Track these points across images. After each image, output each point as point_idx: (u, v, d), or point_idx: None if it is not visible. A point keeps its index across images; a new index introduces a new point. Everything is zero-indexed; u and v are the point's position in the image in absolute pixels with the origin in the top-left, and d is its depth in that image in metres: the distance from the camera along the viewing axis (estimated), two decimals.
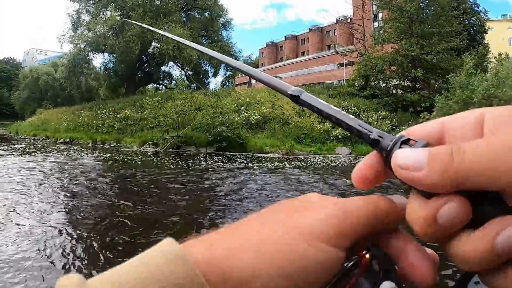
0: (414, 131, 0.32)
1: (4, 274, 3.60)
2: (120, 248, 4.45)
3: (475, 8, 27.65)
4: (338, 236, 0.26)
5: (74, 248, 4.44)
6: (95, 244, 4.57)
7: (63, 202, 6.91)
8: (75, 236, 4.90)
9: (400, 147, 0.28)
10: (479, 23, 27.32)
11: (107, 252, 4.29)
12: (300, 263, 0.25)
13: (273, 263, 0.25)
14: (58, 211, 6.26)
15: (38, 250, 4.28)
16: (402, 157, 0.27)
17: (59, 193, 7.66)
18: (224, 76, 35.05)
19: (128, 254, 3.75)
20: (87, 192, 7.77)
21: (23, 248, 4.34)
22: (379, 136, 0.31)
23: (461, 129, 0.29)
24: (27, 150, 17.75)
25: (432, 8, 23.59)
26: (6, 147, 19.46)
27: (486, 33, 28.13)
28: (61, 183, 8.81)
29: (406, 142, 0.29)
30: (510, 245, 0.22)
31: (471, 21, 26.95)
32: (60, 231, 5.09)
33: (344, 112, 0.33)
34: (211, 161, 13.91)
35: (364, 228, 0.27)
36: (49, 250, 4.32)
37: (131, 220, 5.62)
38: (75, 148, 19.06)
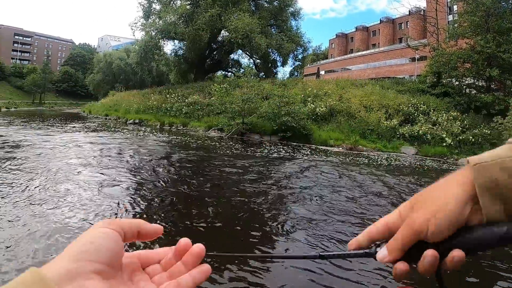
0: (376, 227, 0.51)
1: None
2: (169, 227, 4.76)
3: None
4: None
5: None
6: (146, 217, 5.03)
7: (127, 177, 7.45)
8: (128, 208, 5.37)
9: (376, 250, 0.50)
10: None
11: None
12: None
13: None
14: (121, 185, 6.80)
15: (85, 219, 4.76)
16: (378, 258, 0.49)
17: (125, 169, 8.36)
18: (293, 66, 34.98)
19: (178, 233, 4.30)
20: (151, 170, 8.41)
21: (71, 215, 4.88)
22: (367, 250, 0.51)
23: (395, 221, 0.50)
24: (99, 128, 19.46)
25: (510, 2, 21.84)
26: (81, 124, 21.43)
27: None
28: (128, 159, 9.62)
29: (378, 245, 0.50)
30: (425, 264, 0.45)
31: None
32: (115, 203, 5.58)
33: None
34: (275, 150, 14.36)
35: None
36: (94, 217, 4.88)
37: (188, 202, 6.00)
38: (144, 128, 20.52)
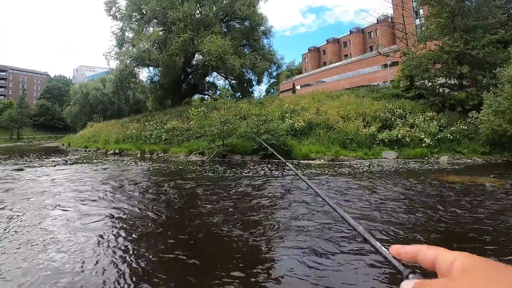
0: (425, 253, 0.49)
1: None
2: (155, 261, 4.50)
3: None
4: None
5: (111, 257, 4.58)
6: (130, 253, 4.75)
7: (109, 210, 7.16)
8: (117, 248, 5.01)
9: (408, 277, 0.48)
10: None
11: (142, 264, 4.40)
12: None
13: None
14: (105, 219, 6.50)
15: (76, 260, 4.46)
16: (402, 286, 0.46)
17: (106, 201, 8.04)
18: (268, 84, 35.45)
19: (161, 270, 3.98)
20: (134, 200, 8.12)
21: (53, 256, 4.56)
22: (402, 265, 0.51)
23: (443, 264, 0.45)
24: (79, 161, 19.05)
25: (474, 0, 22.59)
26: (59, 159, 20.95)
27: None
28: (110, 191, 9.27)
29: (413, 272, 0.48)
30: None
31: None
32: (101, 238, 5.29)
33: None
34: (258, 168, 14.22)
35: None
36: (82, 256, 4.57)
37: (178, 232, 5.73)
38: (125, 158, 20.18)
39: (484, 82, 20.64)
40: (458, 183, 10.54)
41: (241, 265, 4.29)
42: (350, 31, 62.25)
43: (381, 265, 4.05)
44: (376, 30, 55.24)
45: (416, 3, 29.98)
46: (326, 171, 13.22)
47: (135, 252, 4.81)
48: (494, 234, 5.51)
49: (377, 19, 46.94)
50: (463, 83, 23.14)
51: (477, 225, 5.97)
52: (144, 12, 29.82)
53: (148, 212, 6.94)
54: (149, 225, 6.09)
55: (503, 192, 9.05)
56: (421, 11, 35.64)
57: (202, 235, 5.52)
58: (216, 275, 4.00)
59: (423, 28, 26.26)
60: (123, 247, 4.95)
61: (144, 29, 30.83)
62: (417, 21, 36.50)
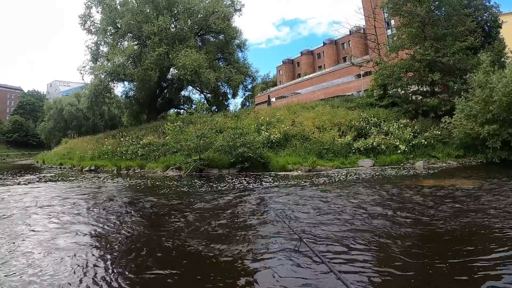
0: None
1: None
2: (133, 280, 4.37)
3: (486, 4, 27.07)
4: None
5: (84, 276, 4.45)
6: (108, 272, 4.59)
7: (88, 229, 6.95)
8: (88, 266, 4.87)
9: None
10: (492, 18, 26.65)
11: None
12: None
13: None
14: (80, 237, 6.30)
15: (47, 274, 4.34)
16: None
17: (83, 219, 7.81)
18: (243, 97, 35.55)
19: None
20: (110, 217, 7.87)
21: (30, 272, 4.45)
22: None
23: None
24: (54, 178, 18.43)
25: (443, 9, 23.37)
26: (34, 176, 20.24)
27: (501, 27, 27.44)
28: (86, 210, 8.97)
29: None
30: None
31: (484, 17, 26.33)
32: (76, 258, 5.12)
33: None
34: (236, 182, 14.00)
35: None
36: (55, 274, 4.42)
37: (153, 249, 5.54)
38: (101, 175, 19.62)
39: (455, 88, 21.29)
40: (434, 186, 10.73)
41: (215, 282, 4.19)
42: (323, 42, 63.43)
43: None
44: (349, 41, 56.38)
45: (387, 14, 30.74)
46: (304, 182, 13.14)
47: (111, 271, 4.64)
48: (470, 235, 5.61)
49: (350, 31, 48.04)
50: (435, 89, 23.78)
51: (453, 227, 6.07)
52: (119, 26, 29.48)
53: (123, 230, 6.74)
54: (124, 243, 5.92)
55: (478, 193, 9.23)
56: (392, 21, 36.61)
57: (178, 252, 5.36)
58: None
59: (394, 38, 26.94)
60: (99, 266, 4.77)
61: (119, 43, 30.47)
62: (389, 32, 37.49)
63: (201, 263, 4.85)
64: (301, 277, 4.17)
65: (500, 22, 27.31)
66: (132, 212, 8.56)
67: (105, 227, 7.00)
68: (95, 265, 4.79)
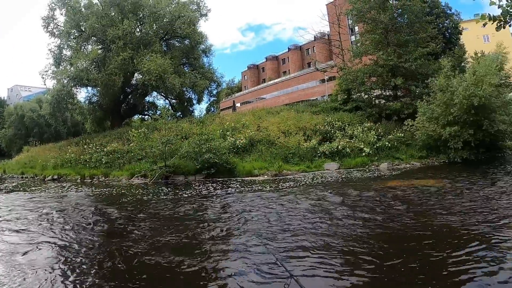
0: None
1: None
2: None
3: (448, 11, 28.47)
4: None
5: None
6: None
7: (50, 241, 6.65)
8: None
9: None
10: (453, 25, 28.11)
11: None
12: None
13: None
14: (42, 251, 6.05)
15: None
16: None
17: (44, 232, 7.46)
18: (208, 102, 35.28)
19: None
20: (74, 229, 7.55)
21: None
22: None
23: None
24: (15, 189, 17.57)
25: (406, 17, 24.23)
26: None
27: (461, 34, 28.96)
28: (48, 222, 8.57)
29: None
30: None
31: (445, 24, 27.72)
32: (37, 272, 4.89)
33: None
34: (203, 188, 13.82)
35: None
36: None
37: (118, 261, 5.33)
38: (64, 184, 18.84)
39: (417, 92, 22.09)
40: (398, 187, 11.06)
41: None
42: (288, 48, 64.35)
43: None
44: (313, 47, 57.44)
45: (351, 21, 31.63)
46: (270, 187, 13.14)
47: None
48: (434, 233, 5.77)
49: (315, 37, 49.12)
50: (398, 94, 24.59)
51: (417, 226, 6.24)
52: (83, 30, 28.51)
53: (85, 242, 6.50)
54: (87, 256, 5.67)
55: (441, 192, 9.54)
56: (356, 28, 37.69)
57: (140, 263, 5.18)
58: None
59: (358, 44, 27.71)
60: (62, 282, 4.53)
61: (83, 47, 29.47)
62: (353, 38, 38.59)
63: (163, 278, 4.67)
64: None
65: (460, 29, 28.79)
66: (96, 223, 8.23)
67: (68, 239, 6.72)
68: (58, 280, 4.56)
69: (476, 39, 42.74)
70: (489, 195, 8.57)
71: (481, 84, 17.04)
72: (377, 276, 4.21)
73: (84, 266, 5.21)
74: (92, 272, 4.93)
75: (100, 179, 20.22)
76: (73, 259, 5.51)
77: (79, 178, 21.12)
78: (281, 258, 4.94)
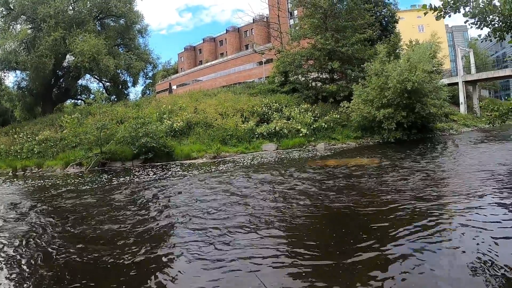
0: None
1: None
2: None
3: (386, 1, 29.96)
4: None
5: None
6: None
7: None
8: None
9: None
10: (390, 14, 29.59)
11: None
12: None
13: None
14: None
15: None
16: None
17: None
18: (144, 85, 34.28)
19: None
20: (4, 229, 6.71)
21: None
22: None
23: None
24: None
25: (345, 3, 25.08)
26: None
27: (397, 23, 30.61)
28: None
29: None
30: None
31: (383, 12, 29.09)
32: None
33: None
34: (142, 173, 13.58)
35: None
36: None
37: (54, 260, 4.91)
38: None
39: (353, 75, 23.21)
40: (335, 166, 11.47)
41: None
42: (226, 30, 63.62)
43: None
44: (252, 29, 57.56)
45: (291, 5, 32.07)
46: (209, 169, 13.21)
47: None
48: (370, 210, 5.96)
49: (253, 19, 49.27)
50: (334, 77, 25.66)
51: (356, 203, 6.42)
52: (12, 7, 26.19)
53: (18, 241, 5.74)
54: (23, 257, 5.03)
55: (377, 170, 10.16)
56: (295, 12, 38.30)
57: (79, 263, 4.62)
58: None
59: (297, 28, 28.32)
60: None
61: (11, 27, 27.06)
62: (292, 21, 39.20)
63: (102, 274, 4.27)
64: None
65: (397, 18, 30.54)
66: (28, 219, 7.38)
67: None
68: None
69: (411, 28, 45.60)
70: (417, 172, 9.12)
71: (415, 70, 18.37)
72: (317, 254, 4.26)
73: (17, 269, 4.62)
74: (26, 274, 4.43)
75: (33, 171, 19.07)
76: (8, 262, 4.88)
77: (10, 171, 19.82)
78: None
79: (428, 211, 5.47)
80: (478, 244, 4.03)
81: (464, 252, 3.89)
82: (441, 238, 4.35)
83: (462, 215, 5.21)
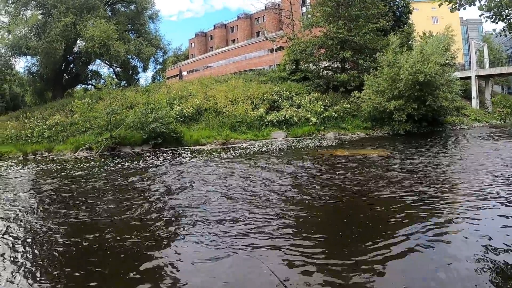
0: None
1: None
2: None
3: None
4: None
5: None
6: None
7: None
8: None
9: None
10: (404, 4, 29.13)
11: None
12: None
13: None
14: None
15: None
16: None
17: None
18: (154, 71, 34.11)
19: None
20: (18, 213, 6.50)
21: None
22: None
23: None
24: None
25: None
26: None
27: (411, 13, 30.12)
28: None
29: None
30: None
31: (396, 2, 28.67)
32: None
33: None
34: (152, 158, 13.58)
35: None
36: None
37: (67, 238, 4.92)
38: (4, 163, 17.70)
39: (365, 65, 22.86)
40: (344, 155, 11.34)
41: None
42: (238, 16, 62.98)
43: None
44: (263, 16, 56.85)
45: None
46: (221, 155, 13.09)
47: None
48: (379, 201, 5.86)
49: (265, 6, 48.68)
50: (345, 66, 25.31)
51: (364, 193, 6.33)
52: None
53: (37, 226, 5.61)
54: (40, 243, 4.82)
55: (385, 161, 9.99)
56: None
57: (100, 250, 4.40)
58: None
59: (309, 16, 27.91)
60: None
61: (22, 13, 27.07)
62: (304, 9, 38.62)
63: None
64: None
65: (411, 8, 29.98)
66: (41, 203, 7.27)
67: (14, 225, 5.80)
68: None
69: (425, 20, 44.68)
70: (426, 165, 8.94)
71: (427, 62, 18.01)
72: (325, 244, 4.19)
73: (36, 254, 4.47)
74: (45, 261, 4.26)
75: (44, 155, 19.26)
76: (23, 246, 4.74)
77: (21, 155, 20.01)
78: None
79: (435, 206, 5.30)
80: (486, 243, 3.85)
81: (473, 251, 3.70)
82: (448, 235, 4.20)
83: (473, 213, 4.98)
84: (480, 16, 6.52)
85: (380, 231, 4.45)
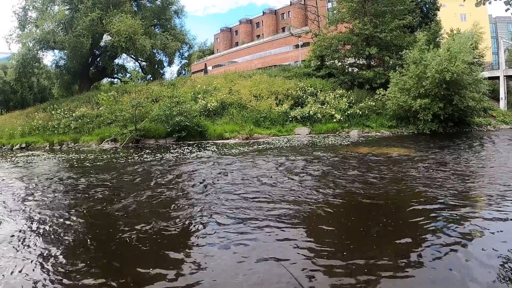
0: None
1: None
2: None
3: None
4: None
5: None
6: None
7: (27, 217, 5.53)
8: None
9: None
10: (432, 0, 28.41)
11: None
12: None
13: None
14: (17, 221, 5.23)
15: None
16: None
17: (19, 207, 6.21)
18: (180, 65, 34.37)
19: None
20: (49, 201, 6.53)
21: None
22: None
23: None
24: None
25: None
26: None
27: (439, 10, 29.32)
28: (18, 192, 7.48)
29: None
30: None
31: None
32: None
33: None
34: (177, 151, 13.63)
35: None
36: None
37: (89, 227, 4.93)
38: (32, 153, 18.13)
39: (391, 62, 22.37)
40: (368, 153, 11.09)
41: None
42: (263, 12, 62.87)
43: None
44: (289, 11, 56.37)
45: None
46: (248, 150, 13.06)
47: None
48: (404, 199, 5.75)
49: (290, 1, 48.43)
50: (371, 63, 24.83)
51: (389, 192, 6.16)
52: None
53: (66, 214, 5.52)
54: (72, 231, 4.77)
55: (410, 160, 9.67)
56: None
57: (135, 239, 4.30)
58: None
59: (334, 12, 27.45)
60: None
61: (49, 8, 27.73)
62: (329, 5, 38.18)
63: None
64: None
65: (438, 5, 29.16)
66: (65, 193, 7.27)
67: (44, 212, 5.76)
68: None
69: (453, 17, 43.32)
70: (452, 166, 8.59)
71: (455, 60, 17.42)
72: (347, 242, 4.09)
73: (69, 243, 4.36)
74: (80, 249, 4.15)
75: (69, 145, 19.73)
76: (54, 235, 4.64)
77: (48, 145, 20.51)
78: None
79: (457, 209, 5.00)
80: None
81: (497, 256, 3.44)
82: (471, 240, 3.93)
83: (498, 217, 4.67)
84: (506, 11, 6.05)
85: (410, 233, 4.24)
